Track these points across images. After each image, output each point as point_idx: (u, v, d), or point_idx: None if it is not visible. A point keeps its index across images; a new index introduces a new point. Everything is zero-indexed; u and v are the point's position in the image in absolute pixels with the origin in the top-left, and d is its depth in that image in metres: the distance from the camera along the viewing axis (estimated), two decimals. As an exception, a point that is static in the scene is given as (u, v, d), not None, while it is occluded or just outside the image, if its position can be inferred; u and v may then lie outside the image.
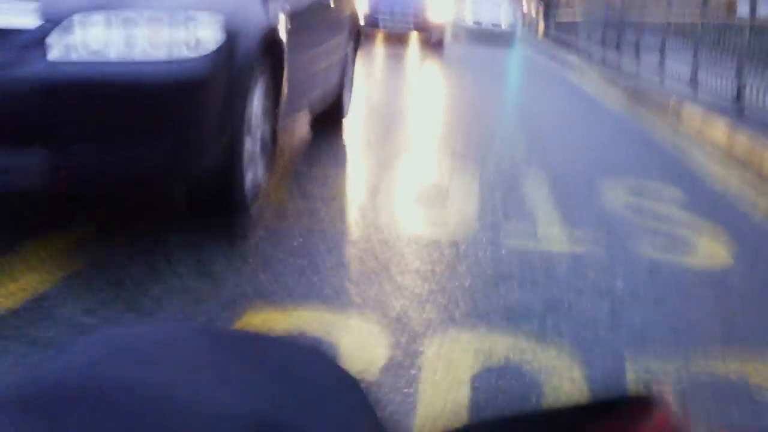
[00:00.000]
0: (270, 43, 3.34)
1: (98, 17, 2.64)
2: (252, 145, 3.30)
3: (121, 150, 2.69)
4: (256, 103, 3.29)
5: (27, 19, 2.58)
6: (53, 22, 2.60)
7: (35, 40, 2.57)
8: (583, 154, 5.83)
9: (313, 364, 0.49)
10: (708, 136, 6.82)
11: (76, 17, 2.62)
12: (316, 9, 4.41)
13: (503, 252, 3.29)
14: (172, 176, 2.93)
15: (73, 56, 2.60)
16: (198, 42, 2.76)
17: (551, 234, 3.58)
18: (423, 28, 14.45)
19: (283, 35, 3.55)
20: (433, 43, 14.51)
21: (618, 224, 3.84)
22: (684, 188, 4.80)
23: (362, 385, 0.50)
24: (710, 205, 4.45)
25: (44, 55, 2.58)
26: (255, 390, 0.44)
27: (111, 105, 2.65)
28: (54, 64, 2.58)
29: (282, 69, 3.57)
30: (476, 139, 6.06)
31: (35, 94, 2.56)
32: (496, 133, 6.57)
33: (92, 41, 2.63)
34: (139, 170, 2.78)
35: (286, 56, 3.60)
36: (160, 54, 2.69)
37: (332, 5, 4.92)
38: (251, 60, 3.07)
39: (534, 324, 2.59)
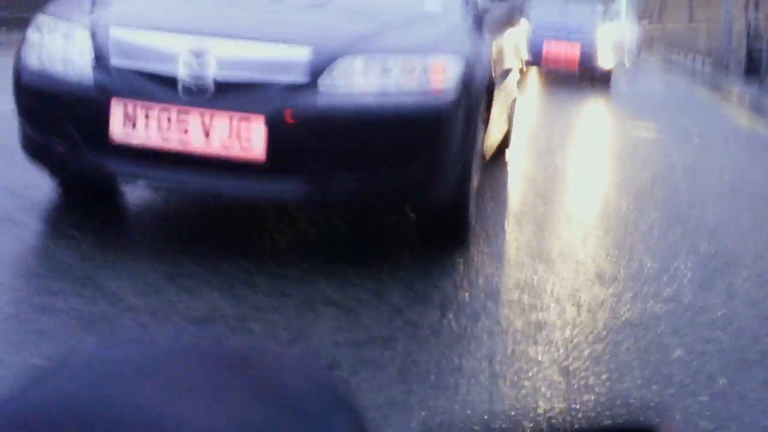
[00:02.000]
0: (490, 82, 3.71)
1: (360, 60, 3.01)
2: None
3: (374, 177, 3.04)
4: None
5: (302, 59, 2.96)
6: (323, 61, 2.96)
7: (309, 75, 2.94)
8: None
9: (304, 382, 0.48)
10: None
11: (342, 59, 2.98)
12: (502, 47, 4.65)
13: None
14: (416, 201, 3.31)
15: (338, 94, 2.96)
16: (444, 79, 3.09)
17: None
18: (589, 64, 13.29)
19: (494, 74, 3.90)
20: (598, 77, 13.36)
21: None
22: None
23: (353, 402, 0.49)
24: None
25: (316, 88, 2.94)
26: (244, 408, 0.43)
27: (368, 137, 3.02)
28: (324, 95, 2.94)
29: (491, 105, 3.87)
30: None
31: (305, 128, 2.94)
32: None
33: (354, 81, 2.98)
34: (386, 195, 3.16)
35: (495, 93, 3.94)
36: (411, 90, 3.03)
37: (510, 42, 5.15)
38: (481, 97, 3.43)
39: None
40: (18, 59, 3.32)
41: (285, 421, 0.44)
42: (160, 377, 0.45)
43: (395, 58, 3.03)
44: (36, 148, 3.31)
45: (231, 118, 2.91)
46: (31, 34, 3.32)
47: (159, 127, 2.93)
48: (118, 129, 2.97)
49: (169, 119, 2.93)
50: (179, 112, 2.93)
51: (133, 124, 2.95)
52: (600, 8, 14.76)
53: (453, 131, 3.17)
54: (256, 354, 0.51)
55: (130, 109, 2.95)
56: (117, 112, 2.96)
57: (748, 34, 16.63)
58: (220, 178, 2.99)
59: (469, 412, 2.18)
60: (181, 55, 2.97)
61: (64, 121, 3.10)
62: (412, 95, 3.03)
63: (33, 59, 3.24)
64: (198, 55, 2.96)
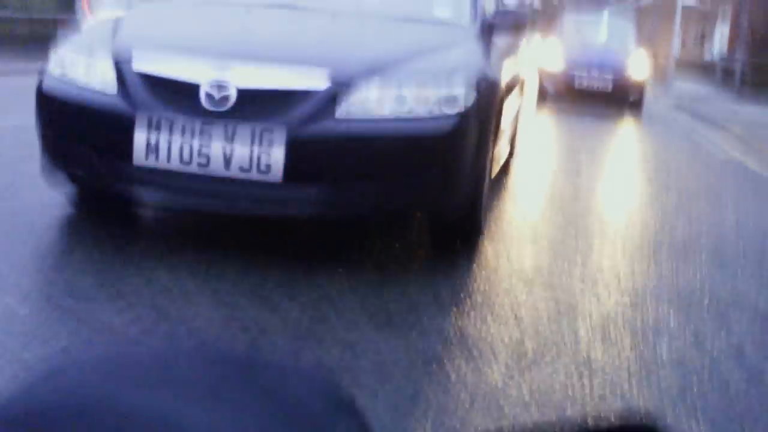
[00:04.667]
0: (500, 99, 3.89)
1: (376, 82, 3.16)
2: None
3: (389, 188, 3.20)
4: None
5: (319, 83, 3.10)
6: (340, 85, 3.11)
7: (325, 100, 3.07)
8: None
9: (307, 386, 0.48)
10: None
11: (358, 81, 3.13)
12: (510, 61, 4.75)
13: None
14: (430, 210, 3.47)
15: (356, 114, 3.11)
16: (455, 99, 3.24)
17: None
18: (622, 87, 13.00)
19: (502, 90, 4.06)
20: (631, 102, 13.07)
21: None
22: None
23: (358, 407, 0.49)
24: None
25: (333, 112, 3.08)
26: (247, 412, 0.43)
27: (384, 153, 3.18)
28: (340, 120, 3.09)
29: (500, 121, 4.02)
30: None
31: (324, 144, 3.10)
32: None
33: (371, 101, 3.13)
34: (401, 204, 3.32)
35: (503, 108, 4.10)
36: (424, 110, 3.18)
37: (517, 55, 5.26)
38: (492, 114, 3.55)
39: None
40: (40, 87, 3.46)
41: (288, 425, 0.44)
42: (164, 379, 0.45)
43: (410, 83, 3.19)
44: (58, 174, 3.45)
45: (251, 146, 3.02)
46: (53, 63, 3.46)
47: (181, 152, 3.04)
48: (141, 157, 3.07)
49: (191, 145, 3.04)
50: (201, 138, 3.03)
51: (155, 151, 3.06)
52: (632, 28, 14.67)
53: (463, 146, 3.31)
54: (259, 359, 0.51)
55: (152, 139, 3.06)
56: (139, 141, 3.07)
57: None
58: (239, 199, 3.11)
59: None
60: (202, 82, 3.08)
61: (87, 148, 3.23)
62: (425, 119, 3.16)
63: (55, 87, 3.38)
64: (219, 83, 3.08)
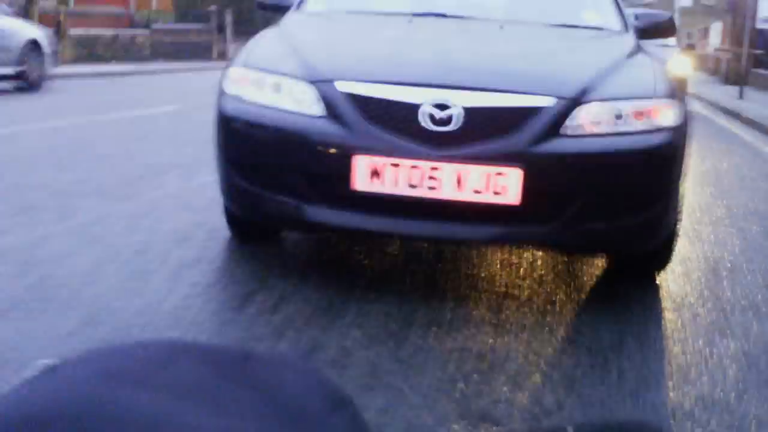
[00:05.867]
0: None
1: (596, 106, 3.04)
2: None
3: (620, 217, 3.08)
4: None
5: (546, 100, 2.98)
6: (565, 102, 2.99)
7: (554, 117, 2.96)
8: None
9: (303, 383, 0.49)
10: None
11: (580, 107, 3.01)
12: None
13: None
14: (651, 239, 3.26)
15: (583, 130, 3.00)
16: (669, 119, 3.16)
17: None
18: None
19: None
20: None
21: None
22: None
23: (353, 403, 0.50)
24: None
25: (561, 130, 2.97)
26: (243, 409, 0.44)
27: (613, 179, 3.06)
28: (570, 137, 2.98)
29: None
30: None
31: (558, 162, 2.98)
32: None
33: (593, 127, 3.02)
34: (630, 235, 3.16)
35: None
36: (642, 133, 3.09)
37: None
38: (689, 130, 3.47)
39: None
40: (222, 109, 3.26)
41: (284, 422, 0.44)
42: (160, 378, 0.45)
43: (625, 104, 3.09)
44: (248, 200, 3.25)
45: (484, 170, 2.86)
46: (232, 83, 3.28)
47: (408, 179, 2.87)
48: (361, 182, 2.90)
49: (419, 172, 2.87)
50: (429, 164, 2.87)
51: (378, 178, 2.88)
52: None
53: (680, 168, 3.26)
54: (255, 355, 0.51)
55: (375, 163, 2.89)
56: (361, 165, 2.89)
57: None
58: (470, 225, 2.97)
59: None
60: (422, 102, 2.92)
61: (294, 175, 3.05)
62: (644, 137, 3.09)
63: (244, 110, 3.18)
64: (440, 102, 2.92)
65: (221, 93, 3.31)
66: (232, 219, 3.66)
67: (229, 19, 26.14)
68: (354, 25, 3.91)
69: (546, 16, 4.07)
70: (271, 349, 2.57)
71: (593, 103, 3.04)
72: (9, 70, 11.08)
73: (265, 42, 3.60)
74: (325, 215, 3.03)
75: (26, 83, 11.32)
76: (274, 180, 3.10)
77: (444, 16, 3.97)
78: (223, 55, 24.35)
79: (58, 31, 17.95)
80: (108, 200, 4.54)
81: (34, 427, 0.40)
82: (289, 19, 3.99)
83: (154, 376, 0.45)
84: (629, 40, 3.84)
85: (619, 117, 3.06)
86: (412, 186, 2.88)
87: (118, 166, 5.70)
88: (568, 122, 2.98)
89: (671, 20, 4.36)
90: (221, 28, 26.13)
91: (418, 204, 2.90)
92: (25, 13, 16.45)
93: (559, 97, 3.00)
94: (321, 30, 3.84)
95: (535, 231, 3.00)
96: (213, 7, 26.32)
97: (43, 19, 17.15)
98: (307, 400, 0.47)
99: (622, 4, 4.29)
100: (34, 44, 11.50)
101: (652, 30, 4.16)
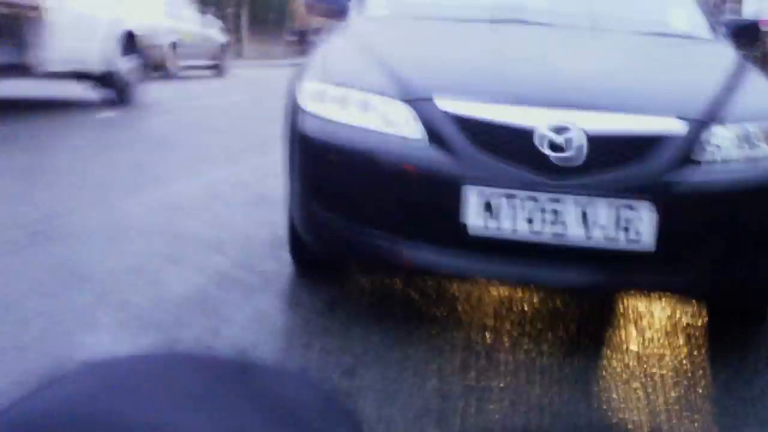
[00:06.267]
0: None
1: (727, 129, 2.66)
2: None
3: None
4: None
5: (675, 125, 2.61)
6: (695, 127, 2.61)
7: (685, 145, 2.58)
8: None
9: (301, 391, 0.49)
10: None
11: (711, 130, 2.63)
12: None
13: None
14: None
15: (717, 169, 2.61)
16: None
17: None
18: None
19: None
20: None
21: None
22: None
23: (351, 411, 0.50)
24: None
25: (695, 159, 2.58)
26: (242, 418, 0.44)
27: (756, 215, 2.67)
28: (705, 167, 2.59)
29: None
30: None
31: (693, 210, 2.60)
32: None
33: (726, 153, 2.63)
34: None
35: None
36: None
37: None
38: None
39: None
40: (303, 130, 2.86)
41: (283, 430, 0.44)
42: (160, 387, 0.45)
43: (754, 125, 2.71)
44: (330, 234, 2.85)
45: (611, 204, 2.48)
46: (309, 97, 2.89)
47: (527, 217, 2.49)
48: (472, 217, 2.50)
49: (537, 206, 2.49)
50: (548, 197, 2.49)
51: (491, 212, 2.49)
52: None
53: None
54: (252, 364, 0.51)
55: (487, 197, 2.50)
56: (471, 198, 2.50)
57: None
58: (599, 270, 2.59)
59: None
60: (539, 127, 2.54)
61: (390, 208, 2.66)
62: None
63: (329, 133, 2.78)
64: (561, 127, 2.54)
65: (298, 109, 2.91)
66: (299, 249, 3.25)
67: (244, 20, 26.09)
68: (434, 32, 3.51)
69: (631, 23, 3.72)
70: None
71: (724, 125, 2.67)
72: (209, 63, 18.15)
73: (341, 52, 3.20)
74: (427, 256, 2.62)
75: (218, 71, 18.46)
76: (365, 212, 2.71)
77: (525, 22, 3.57)
78: (239, 55, 24.42)
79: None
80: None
81: None
82: (357, 25, 3.59)
83: (153, 386, 0.45)
84: (729, 50, 3.47)
85: (748, 140, 2.68)
86: (530, 221, 2.50)
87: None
88: (699, 147, 2.60)
89: (756, 25, 4.04)
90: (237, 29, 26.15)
91: (539, 245, 2.52)
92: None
93: (687, 119, 2.63)
94: (402, 38, 3.42)
95: (673, 279, 2.62)
96: (229, 9, 26.24)
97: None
98: (305, 409, 0.47)
99: (704, 7, 3.94)
100: (223, 45, 18.98)
101: (738, 35, 3.80)
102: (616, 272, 2.59)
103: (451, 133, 2.58)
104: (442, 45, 3.32)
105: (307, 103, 2.88)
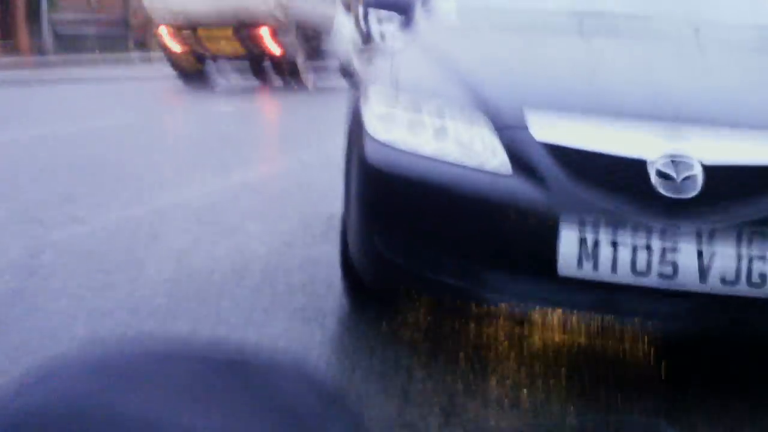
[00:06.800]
0: None
1: None
2: None
3: None
4: None
5: None
6: None
7: None
8: None
9: (300, 385, 0.48)
10: None
11: None
12: None
13: None
14: None
15: None
16: None
17: None
18: None
19: None
20: None
21: None
22: None
23: (350, 406, 0.49)
24: None
25: None
26: (240, 412, 0.43)
27: None
28: None
29: None
30: None
31: None
32: None
33: None
34: None
35: None
36: None
37: None
38: None
39: None
40: (371, 161, 2.51)
41: (282, 425, 0.44)
42: (157, 380, 0.45)
43: None
44: (395, 277, 2.56)
45: (738, 244, 2.14)
46: (376, 122, 2.54)
47: (634, 259, 2.16)
48: (569, 262, 2.18)
49: (649, 248, 2.15)
50: (662, 244, 2.15)
51: (593, 257, 2.17)
52: None
53: None
54: (252, 357, 0.50)
55: (588, 236, 2.17)
56: (568, 239, 2.18)
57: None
58: (719, 320, 2.27)
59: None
60: (652, 158, 2.21)
61: (472, 254, 2.34)
62: None
63: (403, 166, 2.44)
64: (677, 158, 2.20)
65: (364, 135, 2.55)
66: (356, 286, 2.96)
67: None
68: (516, 44, 3.04)
69: (733, 12, 3.31)
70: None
71: None
72: None
73: (413, 69, 2.80)
74: (511, 294, 2.33)
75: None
76: (440, 257, 2.38)
77: (616, 31, 3.13)
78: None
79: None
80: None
81: (28, 427, 0.40)
82: (429, 33, 3.18)
83: (149, 375, 0.45)
84: None
85: None
86: (639, 272, 2.15)
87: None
88: None
89: None
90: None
91: (649, 296, 2.19)
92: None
93: None
94: (481, 52, 2.95)
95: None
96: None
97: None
98: (302, 401, 0.46)
99: None
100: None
101: None
102: (737, 320, 2.26)
103: (546, 165, 2.26)
104: (527, 59, 2.89)
105: (376, 127, 2.53)
